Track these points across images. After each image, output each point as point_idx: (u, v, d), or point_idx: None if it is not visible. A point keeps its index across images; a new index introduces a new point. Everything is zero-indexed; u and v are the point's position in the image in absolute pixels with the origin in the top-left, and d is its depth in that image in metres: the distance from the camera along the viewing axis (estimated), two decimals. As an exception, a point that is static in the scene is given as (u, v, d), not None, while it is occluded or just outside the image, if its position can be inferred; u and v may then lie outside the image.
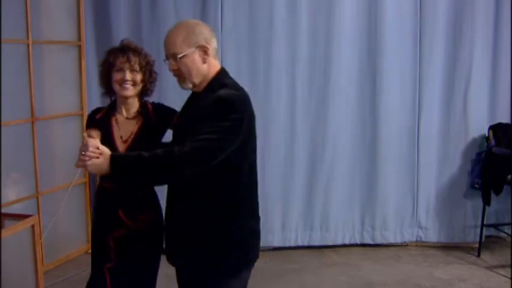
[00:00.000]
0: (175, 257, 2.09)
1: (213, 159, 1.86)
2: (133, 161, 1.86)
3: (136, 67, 2.31)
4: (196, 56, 1.99)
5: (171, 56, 2.00)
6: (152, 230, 2.36)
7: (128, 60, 2.30)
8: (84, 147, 1.87)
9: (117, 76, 2.31)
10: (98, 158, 1.85)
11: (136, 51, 2.35)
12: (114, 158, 1.87)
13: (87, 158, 1.85)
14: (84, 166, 1.87)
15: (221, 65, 2.08)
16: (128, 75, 2.30)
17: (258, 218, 2.11)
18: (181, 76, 2.02)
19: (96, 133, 2.24)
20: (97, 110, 2.46)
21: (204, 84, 2.03)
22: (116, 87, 2.32)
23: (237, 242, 2.00)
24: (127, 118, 2.38)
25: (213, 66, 2.03)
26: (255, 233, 2.09)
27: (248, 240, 2.04)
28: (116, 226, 2.36)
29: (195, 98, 2.08)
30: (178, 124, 2.16)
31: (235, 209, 2.00)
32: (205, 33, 2.02)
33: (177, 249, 2.08)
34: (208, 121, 1.86)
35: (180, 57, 1.97)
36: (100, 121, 2.37)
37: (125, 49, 2.34)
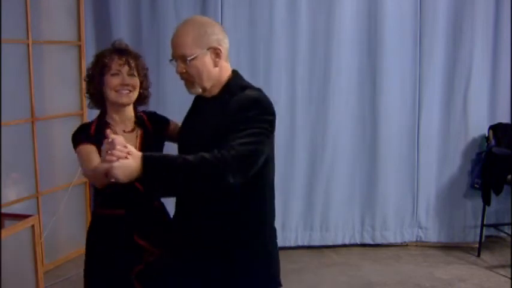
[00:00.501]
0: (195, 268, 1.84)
1: (256, 166, 1.68)
2: (172, 163, 1.58)
3: (135, 72, 2.05)
4: (208, 59, 1.79)
5: (180, 57, 1.80)
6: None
7: (127, 63, 2.04)
8: (110, 145, 1.57)
9: (113, 81, 2.02)
10: (126, 158, 1.55)
11: (135, 54, 2.11)
12: (147, 158, 1.57)
13: (114, 158, 1.54)
14: (110, 168, 1.53)
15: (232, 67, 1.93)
16: (127, 80, 2.03)
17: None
18: (189, 80, 1.82)
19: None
20: (85, 126, 2.10)
21: (217, 89, 1.84)
22: (111, 94, 2.03)
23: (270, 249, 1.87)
24: (125, 131, 2.07)
25: (225, 69, 1.85)
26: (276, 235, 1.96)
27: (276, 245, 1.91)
28: (135, 258, 2.04)
29: (206, 104, 1.87)
30: (185, 134, 1.95)
31: (264, 212, 1.85)
32: (217, 33, 1.82)
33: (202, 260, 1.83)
34: (242, 124, 1.67)
35: (190, 60, 1.77)
36: (96, 138, 1.97)
37: (122, 51, 2.08)
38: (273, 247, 1.90)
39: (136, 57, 2.10)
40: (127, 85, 2.03)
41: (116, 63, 2.03)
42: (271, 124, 1.76)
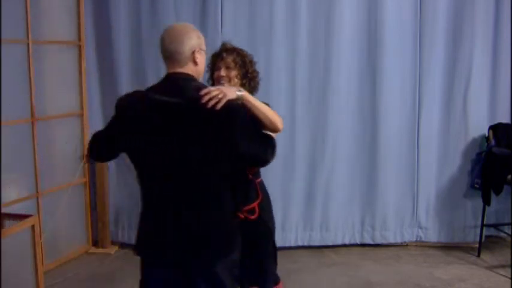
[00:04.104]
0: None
1: None
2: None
3: (231, 65, 2.49)
4: None
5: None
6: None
7: (222, 59, 2.50)
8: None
9: (215, 74, 2.53)
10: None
11: (232, 50, 2.53)
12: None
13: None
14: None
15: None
16: (223, 72, 2.48)
17: None
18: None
19: None
20: None
21: None
22: (215, 84, 2.48)
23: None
24: None
25: None
26: None
27: None
28: None
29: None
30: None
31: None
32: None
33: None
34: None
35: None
36: None
37: (221, 50, 2.55)
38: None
39: (233, 52, 2.53)
40: (222, 76, 2.48)
41: (218, 61, 2.53)
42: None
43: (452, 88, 4.32)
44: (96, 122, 4.32)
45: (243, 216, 2.43)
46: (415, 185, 4.40)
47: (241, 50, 2.56)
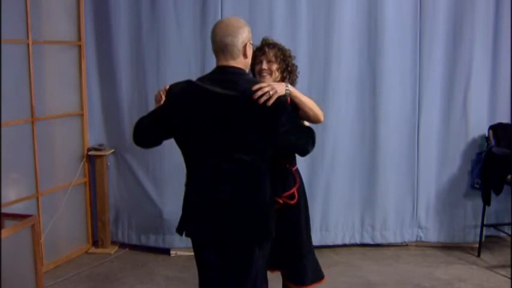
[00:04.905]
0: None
1: None
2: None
3: (273, 59, 2.60)
4: None
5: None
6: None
7: (264, 53, 2.61)
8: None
9: (256, 67, 2.63)
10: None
11: (273, 45, 2.65)
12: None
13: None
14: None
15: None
16: (265, 65, 2.59)
17: None
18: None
19: None
20: None
21: None
22: (257, 77, 2.63)
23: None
24: None
25: None
26: None
27: None
28: None
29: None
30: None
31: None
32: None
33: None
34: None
35: None
36: None
37: (263, 45, 2.66)
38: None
39: (274, 47, 2.65)
40: (264, 69, 2.60)
41: (260, 55, 2.63)
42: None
43: (452, 88, 4.32)
44: (96, 122, 4.33)
45: (282, 202, 2.57)
46: (415, 185, 4.40)
47: (281, 45, 2.68)
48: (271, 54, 2.61)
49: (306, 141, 2.22)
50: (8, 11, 3.50)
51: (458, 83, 4.30)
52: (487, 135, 4.29)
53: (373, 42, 4.23)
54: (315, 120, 2.41)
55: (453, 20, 4.24)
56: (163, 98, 2.22)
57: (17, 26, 3.67)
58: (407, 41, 4.25)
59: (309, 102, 2.35)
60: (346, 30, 4.21)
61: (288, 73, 2.67)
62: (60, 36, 4.10)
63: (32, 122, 3.82)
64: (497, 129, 4.25)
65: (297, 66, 2.74)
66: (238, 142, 2.06)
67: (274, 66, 2.61)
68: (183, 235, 2.22)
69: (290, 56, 2.69)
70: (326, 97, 4.24)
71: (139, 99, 4.20)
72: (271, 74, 2.61)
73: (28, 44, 3.73)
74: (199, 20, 4.14)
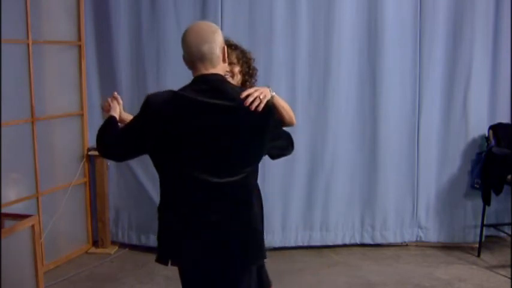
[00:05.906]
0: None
1: None
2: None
3: (234, 60, 2.54)
4: None
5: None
6: None
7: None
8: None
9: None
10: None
11: (234, 46, 2.58)
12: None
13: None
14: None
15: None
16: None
17: None
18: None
19: None
20: None
21: None
22: None
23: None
24: None
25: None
26: None
27: None
28: None
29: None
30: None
31: None
32: None
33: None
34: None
35: None
36: None
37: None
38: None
39: (236, 49, 2.58)
40: (227, 72, 2.46)
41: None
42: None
43: (452, 88, 4.31)
44: (96, 122, 4.32)
45: None
46: (415, 185, 4.40)
47: (242, 47, 2.62)
48: (233, 56, 2.53)
49: (287, 145, 2.20)
50: (8, 11, 3.50)
51: (458, 83, 4.30)
52: (487, 135, 4.29)
53: (373, 42, 4.23)
54: (289, 123, 2.30)
55: (453, 20, 4.24)
56: (112, 106, 2.08)
57: (17, 26, 3.67)
58: (407, 41, 4.25)
59: (286, 106, 2.24)
60: (346, 30, 4.21)
61: (249, 76, 2.60)
62: (60, 36, 4.10)
63: (32, 122, 3.82)
64: (497, 129, 4.25)
65: (257, 70, 2.67)
66: (232, 153, 1.92)
67: (237, 69, 2.54)
68: (169, 264, 1.99)
69: (251, 59, 2.61)
70: (326, 97, 4.25)
71: (140, 99, 4.16)
72: (233, 76, 2.53)
73: (28, 44, 3.73)
74: (199, 20, 4.14)
